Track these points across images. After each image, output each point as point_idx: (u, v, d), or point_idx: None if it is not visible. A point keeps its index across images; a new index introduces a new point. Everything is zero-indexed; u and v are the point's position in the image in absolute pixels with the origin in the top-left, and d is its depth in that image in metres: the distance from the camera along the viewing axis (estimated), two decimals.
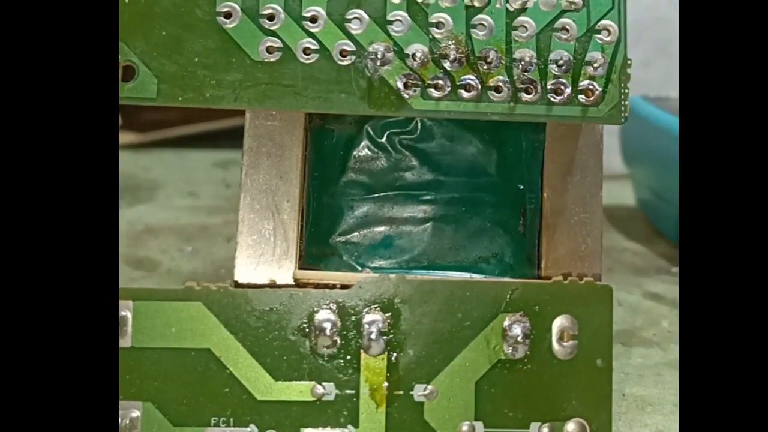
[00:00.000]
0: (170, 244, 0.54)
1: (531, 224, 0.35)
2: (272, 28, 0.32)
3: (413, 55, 0.32)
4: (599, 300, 0.32)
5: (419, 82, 0.32)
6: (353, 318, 0.32)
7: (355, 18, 0.32)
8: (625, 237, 0.58)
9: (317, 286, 0.33)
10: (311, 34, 0.32)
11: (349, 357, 0.32)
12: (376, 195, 0.35)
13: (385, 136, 0.35)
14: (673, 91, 0.55)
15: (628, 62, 0.32)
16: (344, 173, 0.35)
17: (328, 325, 0.31)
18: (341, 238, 0.35)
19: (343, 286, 0.32)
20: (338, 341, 0.31)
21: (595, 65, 0.32)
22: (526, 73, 0.32)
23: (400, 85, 0.32)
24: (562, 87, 0.32)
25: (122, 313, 0.31)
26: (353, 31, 0.32)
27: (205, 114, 0.77)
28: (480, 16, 0.32)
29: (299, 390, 0.32)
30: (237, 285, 0.33)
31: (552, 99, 0.32)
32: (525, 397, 0.32)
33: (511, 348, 0.32)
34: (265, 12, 0.32)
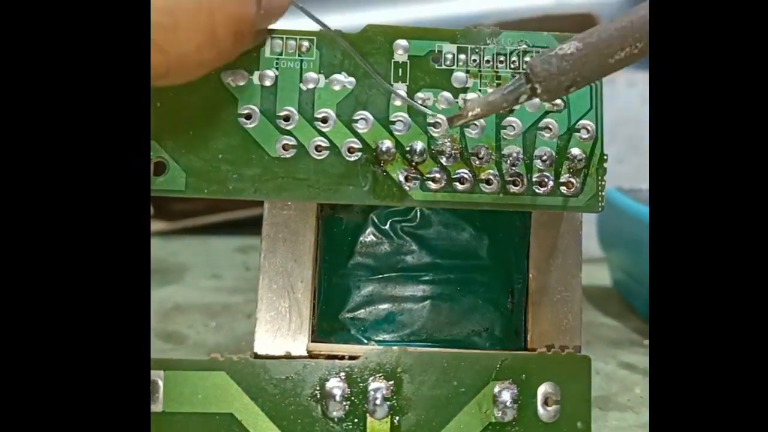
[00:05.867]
0: (196, 320, 0.54)
1: (518, 302, 0.35)
2: (288, 127, 0.32)
3: (413, 151, 0.32)
4: (579, 369, 0.32)
5: (418, 176, 0.32)
6: (360, 385, 0.32)
7: (362, 119, 0.32)
8: (601, 313, 0.58)
9: (328, 357, 0.33)
10: (322, 133, 0.32)
11: (356, 420, 0.32)
12: (380, 276, 0.35)
13: (388, 223, 0.35)
14: (644, 184, 0.56)
15: (605, 157, 0.33)
16: (352, 257, 0.35)
17: (337, 392, 0.31)
18: (349, 315, 0.35)
19: (351, 357, 0.32)
20: (347, 406, 0.31)
21: (575, 160, 0.32)
22: (513, 168, 0.32)
23: (401, 178, 0.32)
24: (546, 179, 0.32)
25: (154, 381, 0.31)
26: (360, 131, 0.32)
27: (228, 204, 0.77)
28: None
29: None
30: (256, 356, 0.33)
31: (536, 190, 0.32)
32: None
33: (500, 412, 0.32)
34: (282, 114, 0.32)
